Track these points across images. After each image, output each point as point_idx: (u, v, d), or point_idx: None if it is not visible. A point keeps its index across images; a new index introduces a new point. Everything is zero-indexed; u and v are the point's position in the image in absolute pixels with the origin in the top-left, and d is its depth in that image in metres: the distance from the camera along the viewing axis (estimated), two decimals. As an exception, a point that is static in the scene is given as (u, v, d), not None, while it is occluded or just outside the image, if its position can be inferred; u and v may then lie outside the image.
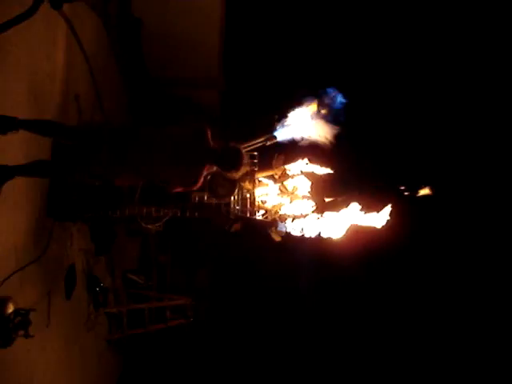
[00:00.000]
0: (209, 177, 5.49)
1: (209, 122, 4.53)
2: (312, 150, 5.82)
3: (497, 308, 11.21)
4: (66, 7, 5.48)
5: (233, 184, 5.53)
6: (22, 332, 3.92)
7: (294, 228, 5.33)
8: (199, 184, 4.43)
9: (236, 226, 5.43)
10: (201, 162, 4.40)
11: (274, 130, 5.61)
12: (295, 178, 5.79)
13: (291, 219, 5.48)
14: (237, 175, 4.75)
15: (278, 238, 5.46)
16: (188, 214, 5.62)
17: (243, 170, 4.65)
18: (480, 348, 11.16)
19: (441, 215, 10.82)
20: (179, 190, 4.53)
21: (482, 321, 11.29)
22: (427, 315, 11.72)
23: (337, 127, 5.53)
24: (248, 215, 5.65)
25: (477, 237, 11.19)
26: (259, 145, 5.72)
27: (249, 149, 5.72)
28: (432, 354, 11.68)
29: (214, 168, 4.48)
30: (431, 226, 10.83)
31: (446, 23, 11.08)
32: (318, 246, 5.36)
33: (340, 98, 5.51)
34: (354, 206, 5.22)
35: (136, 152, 4.27)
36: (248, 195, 5.69)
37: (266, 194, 5.78)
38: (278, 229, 5.37)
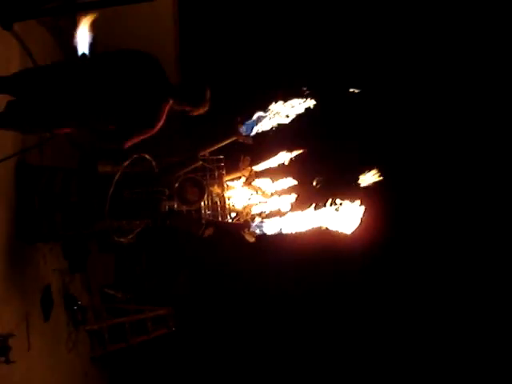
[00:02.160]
0: (177, 184, 5.49)
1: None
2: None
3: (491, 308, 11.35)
4: (17, 26, 5.42)
5: (202, 190, 5.54)
6: (2, 358, 3.89)
7: (268, 227, 5.34)
8: (160, 124, 3.94)
9: (208, 231, 5.43)
10: (161, 97, 3.90)
11: (238, 131, 5.62)
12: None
13: (264, 219, 5.50)
14: (202, 111, 4.27)
15: (251, 239, 5.48)
16: (159, 224, 5.61)
17: (206, 106, 4.23)
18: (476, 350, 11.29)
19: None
20: (136, 139, 3.93)
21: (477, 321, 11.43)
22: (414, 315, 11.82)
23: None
24: (219, 219, 5.67)
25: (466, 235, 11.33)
26: (228, 142, 5.72)
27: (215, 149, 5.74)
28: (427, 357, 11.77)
29: (176, 105, 4.02)
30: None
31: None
32: (296, 245, 5.38)
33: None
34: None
35: (78, 90, 3.70)
36: (218, 199, 5.72)
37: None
38: (251, 230, 5.39)
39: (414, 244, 11.25)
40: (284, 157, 5.87)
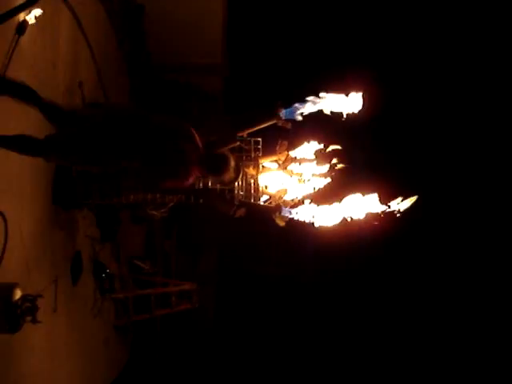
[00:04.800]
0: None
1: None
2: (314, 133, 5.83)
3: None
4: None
5: (237, 170, 5.54)
6: (29, 318, 3.97)
7: (298, 214, 5.32)
8: (190, 182, 4.24)
9: (240, 212, 5.43)
10: (189, 163, 4.17)
11: (278, 115, 5.59)
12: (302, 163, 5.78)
13: (296, 204, 5.48)
14: (224, 179, 4.51)
15: (282, 223, 5.46)
16: (192, 200, 5.65)
17: (230, 174, 4.45)
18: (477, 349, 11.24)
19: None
20: (170, 185, 4.27)
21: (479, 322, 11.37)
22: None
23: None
24: (252, 200, 5.67)
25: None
26: (266, 125, 5.69)
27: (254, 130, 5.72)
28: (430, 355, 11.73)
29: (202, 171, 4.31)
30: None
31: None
32: (324, 233, 5.34)
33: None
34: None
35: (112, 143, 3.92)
36: (252, 181, 5.71)
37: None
38: (282, 214, 5.37)
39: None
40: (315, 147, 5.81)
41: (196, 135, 4.21)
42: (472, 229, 11.31)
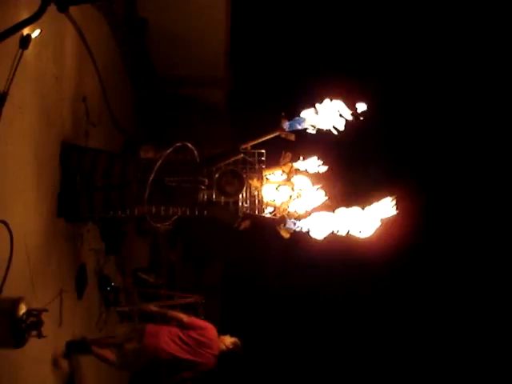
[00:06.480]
0: (217, 175, 5.51)
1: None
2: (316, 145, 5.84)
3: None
4: (72, 9, 5.51)
5: (241, 182, 5.54)
6: (34, 332, 3.96)
7: (301, 226, 5.31)
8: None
9: (245, 224, 5.43)
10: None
11: (282, 127, 5.59)
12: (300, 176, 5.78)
13: (299, 217, 5.46)
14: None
15: (286, 235, 5.46)
16: (197, 213, 5.64)
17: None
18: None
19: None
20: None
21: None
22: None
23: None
24: (256, 213, 5.65)
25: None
26: (271, 137, 5.69)
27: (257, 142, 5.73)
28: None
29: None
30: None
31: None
32: (326, 244, 5.34)
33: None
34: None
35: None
36: (256, 193, 5.69)
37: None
38: (287, 226, 5.37)
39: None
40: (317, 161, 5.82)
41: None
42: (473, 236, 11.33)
